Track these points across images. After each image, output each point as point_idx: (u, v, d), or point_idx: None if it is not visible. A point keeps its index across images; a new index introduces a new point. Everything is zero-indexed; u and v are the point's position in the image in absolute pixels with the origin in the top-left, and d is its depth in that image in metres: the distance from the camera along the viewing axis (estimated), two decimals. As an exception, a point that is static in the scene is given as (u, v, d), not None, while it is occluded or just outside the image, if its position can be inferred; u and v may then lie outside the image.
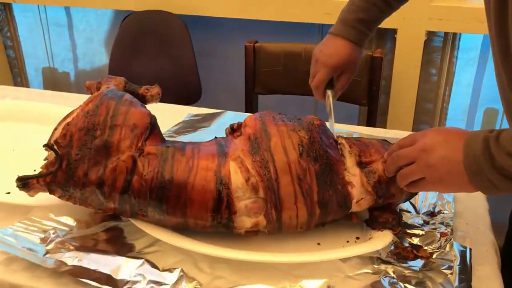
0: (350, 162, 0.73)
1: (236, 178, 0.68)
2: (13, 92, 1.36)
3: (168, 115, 1.16)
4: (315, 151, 0.70)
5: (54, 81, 2.40)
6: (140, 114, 0.71)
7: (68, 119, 0.70)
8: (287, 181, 0.68)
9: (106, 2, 1.98)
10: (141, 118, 0.71)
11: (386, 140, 0.79)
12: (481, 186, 0.61)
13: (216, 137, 0.77)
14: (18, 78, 2.46)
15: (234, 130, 0.78)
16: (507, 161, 0.58)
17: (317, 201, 0.69)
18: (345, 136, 0.78)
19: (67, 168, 0.68)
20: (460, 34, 1.66)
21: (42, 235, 0.71)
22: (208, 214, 0.68)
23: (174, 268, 0.67)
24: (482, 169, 0.59)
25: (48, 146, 0.68)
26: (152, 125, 0.72)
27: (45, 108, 1.13)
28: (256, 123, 0.74)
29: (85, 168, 0.68)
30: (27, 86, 2.46)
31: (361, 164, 0.72)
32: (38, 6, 2.24)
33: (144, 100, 0.84)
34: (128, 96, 0.74)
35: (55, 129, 0.71)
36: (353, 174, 0.72)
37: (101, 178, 0.67)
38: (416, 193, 0.79)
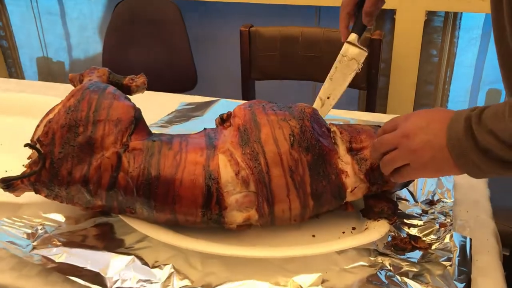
0: (342, 149, 0.70)
1: (226, 172, 0.66)
2: (3, 83, 1.34)
3: (161, 104, 1.13)
4: (307, 140, 0.68)
5: (48, 70, 2.38)
6: (124, 107, 0.68)
7: (50, 116, 0.68)
8: (278, 173, 0.66)
9: (98, -11, 1.95)
10: (125, 111, 0.68)
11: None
12: (466, 169, 0.57)
13: (205, 129, 0.75)
14: (13, 68, 2.43)
15: (224, 120, 0.75)
16: (488, 139, 0.53)
17: (310, 192, 0.67)
18: (341, 123, 0.75)
19: (51, 167, 0.66)
20: (461, 13, 1.62)
21: (29, 231, 0.70)
22: (197, 210, 0.66)
23: (165, 265, 0.65)
24: (466, 150, 0.55)
25: (30, 145, 0.66)
26: (137, 119, 0.69)
27: (34, 100, 1.10)
28: (245, 113, 0.71)
29: (69, 166, 0.66)
30: (22, 76, 2.43)
31: (351, 151, 0.70)
32: (29, -6, 2.20)
33: (129, 91, 0.81)
34: (111, 88, 0.71)
35: (38, 126, 0.69)
36: (346, 163, 0.70)
37: (85, 176, 0.65)
38: (413, 180, 0.77)
